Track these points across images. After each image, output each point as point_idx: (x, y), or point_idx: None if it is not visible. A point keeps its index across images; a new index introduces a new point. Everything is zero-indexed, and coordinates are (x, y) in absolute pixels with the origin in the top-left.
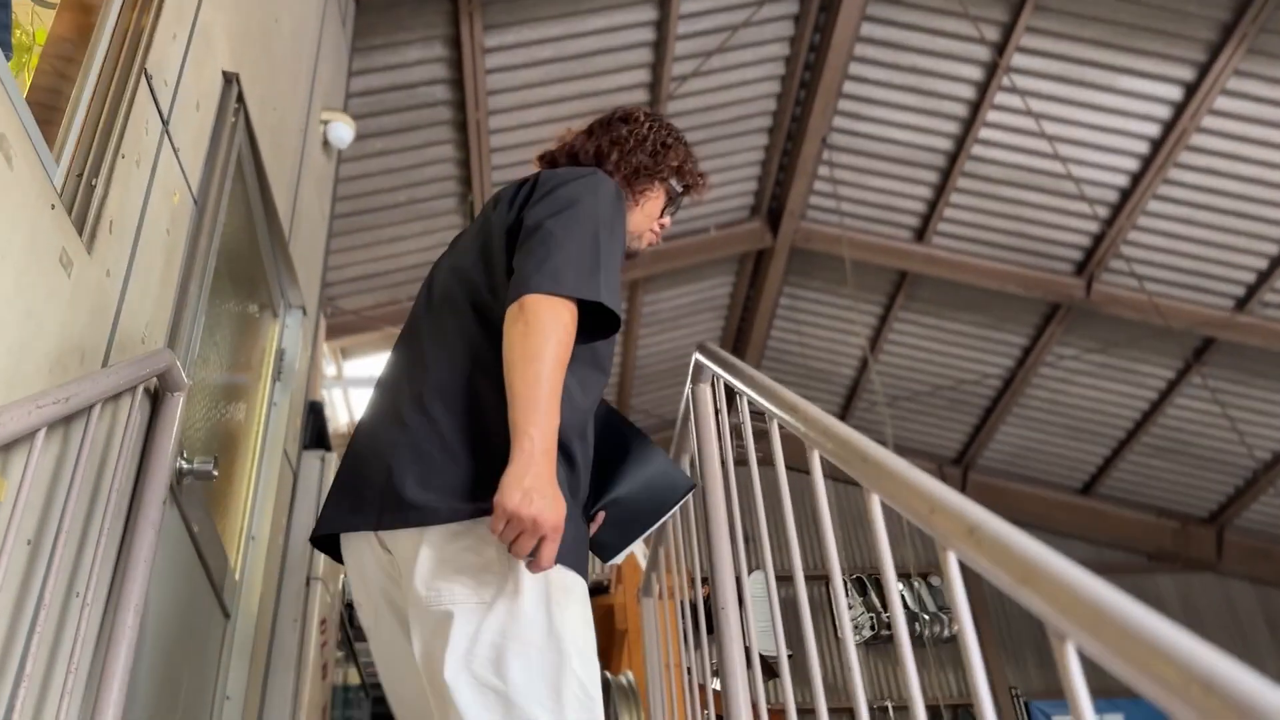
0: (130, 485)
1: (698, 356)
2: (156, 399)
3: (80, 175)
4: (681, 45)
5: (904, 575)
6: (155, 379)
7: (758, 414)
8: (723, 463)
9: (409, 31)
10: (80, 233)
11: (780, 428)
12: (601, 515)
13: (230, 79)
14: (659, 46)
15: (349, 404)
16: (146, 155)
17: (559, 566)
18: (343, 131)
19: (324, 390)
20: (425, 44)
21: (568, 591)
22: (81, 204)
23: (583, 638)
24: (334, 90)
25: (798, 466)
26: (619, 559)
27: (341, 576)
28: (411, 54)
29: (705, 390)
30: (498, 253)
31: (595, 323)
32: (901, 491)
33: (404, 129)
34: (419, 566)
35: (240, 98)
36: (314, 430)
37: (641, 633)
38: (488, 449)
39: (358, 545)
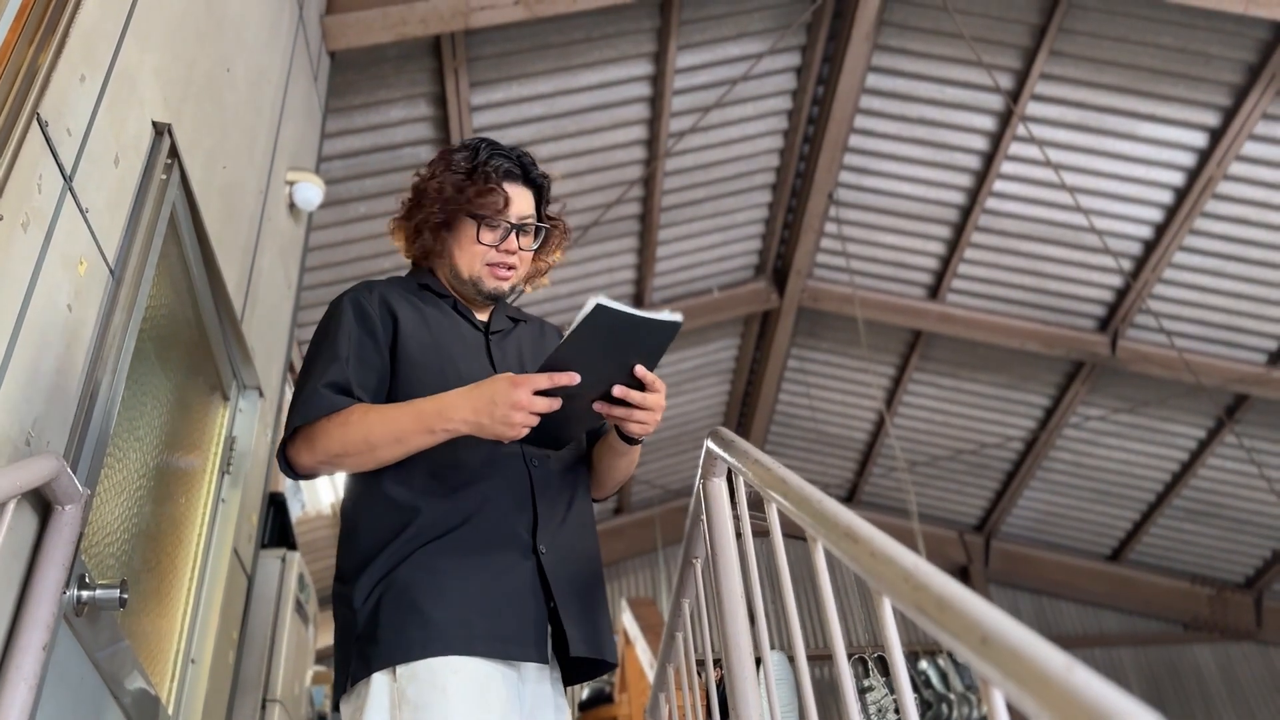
0: (4, 625)
1: (709, 445)
2: (46, 514)
3: None
4: (679, 100)
5: (929, 652)
6: (40, 491)
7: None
8: (745, 582)
9: (391, 90)
10: None
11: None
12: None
13: (162, 130)
14: (655, 102)
15: (335, 487)
16: (39, 216)
17: (401, 678)
18: (310, 193)
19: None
20: (409, 103)
21: (425, 697)
22: None
23: None
24: (303, 149)
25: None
26: None
27: (307, 690)
28: (394, 114)
29: (719, 486)
30: None
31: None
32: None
33: (388, 192)
34: None
35: (175, 151)
36: (275, 527)
37: None
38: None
39: None
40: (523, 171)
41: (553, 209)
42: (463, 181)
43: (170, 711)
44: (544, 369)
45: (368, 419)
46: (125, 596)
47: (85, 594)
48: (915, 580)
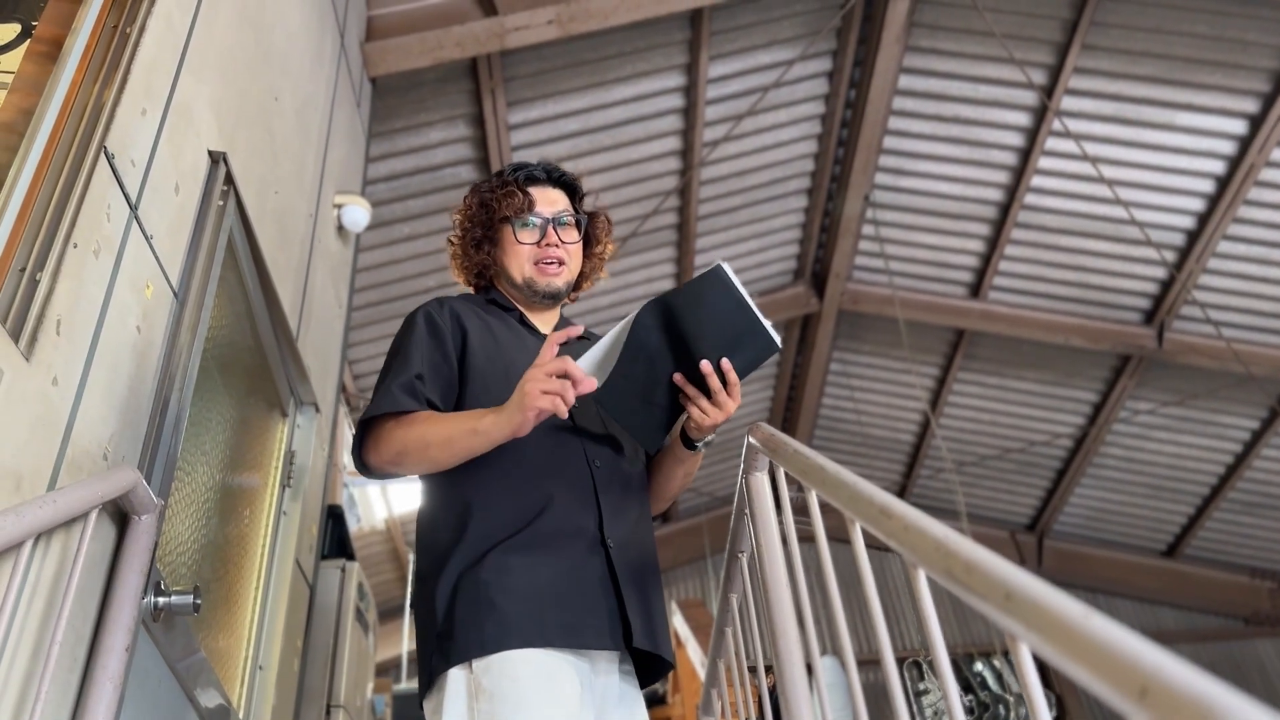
0: (89, 630)
1: (750, 440)
2: (124, 524)
3: (23, 270)
4: (712, 110)
5: (985, 654)
6: (119, 501)
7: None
8: (790, 576)
9: (431, 112)
10: (17, 336)
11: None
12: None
13: (217, 159)
14: (689, 113)
15: (387, 500)
16: (108, 243)
17: (477, 671)
18: (358, 215)
19: (359, 487)
20: (448, 124)
21: (500, 686)
22: (21, 302)
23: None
24: (349, 173)
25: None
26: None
27: (369, 699)
28: (434, 135)
29: (761, 481)
30: None
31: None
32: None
33: (431, 212)
34: None
35: (230, 179)
36: (334, 538)
37: None
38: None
39: None
40: (546, 174)
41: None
42: (488, 195)
43: (241, 715)
44: (659, 301)
45: (426, 422)
46: (199, 602)
47: (161, 600)
48: (945, 548)
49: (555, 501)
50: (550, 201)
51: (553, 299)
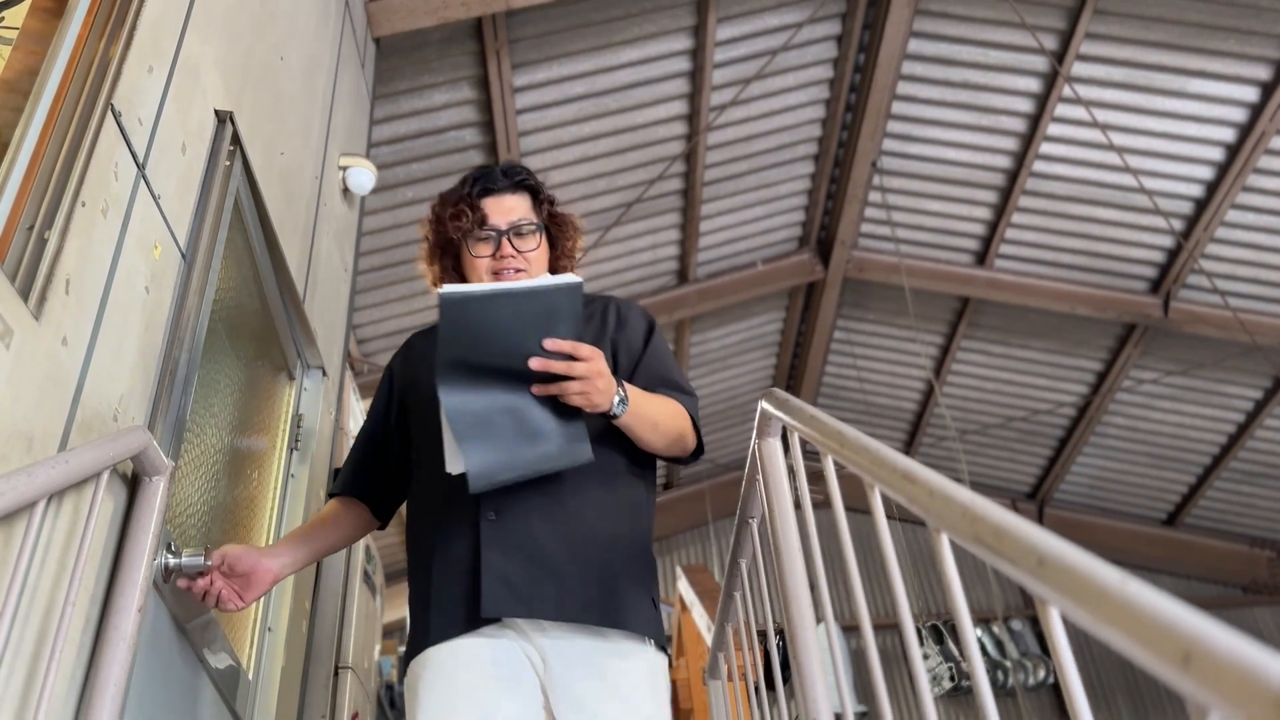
0: (102, 590)
1: (764, 406)
2: (135, 485)
3: (31, 228)
4: (719, 74)
5: (983, 620)
6: (129, 463)
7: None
8: (804, 541)
9: (435, 75)
10: (26, 295)
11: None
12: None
13: (224, 118)
14: (695, 76)
15: None
16: (116, 203)
17: (407, 680)
18: (363, 177)
19: None
20: (452, 86)
21: (410, 690)
22: (30, 261)
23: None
24: (354, 134)
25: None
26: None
27: (376, 661)
28: (438, 98)
29: (774, 446)
30: None
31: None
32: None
33: (435, 175)
34: None
35: (236, 139)
36: None
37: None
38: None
39: None
40: (506, 178)
41: (586, 203)
42: (441, 213)
43: (250, 676)
44: (440, 366)
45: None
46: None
47: (172, 560)
48: (973, 514)
49: (451, 497)
50: (505, 211)
51: None
